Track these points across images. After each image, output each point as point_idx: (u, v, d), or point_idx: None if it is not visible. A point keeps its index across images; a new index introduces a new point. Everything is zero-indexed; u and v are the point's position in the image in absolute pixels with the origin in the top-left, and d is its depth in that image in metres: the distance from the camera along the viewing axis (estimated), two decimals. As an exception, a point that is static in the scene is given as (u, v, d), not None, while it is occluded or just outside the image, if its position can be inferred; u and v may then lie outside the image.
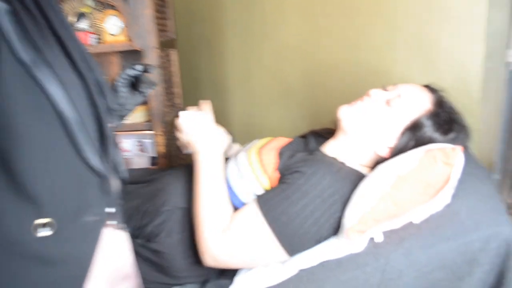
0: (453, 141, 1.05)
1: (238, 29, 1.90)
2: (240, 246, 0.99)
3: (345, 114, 1.13)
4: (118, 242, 0.82)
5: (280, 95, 1.89)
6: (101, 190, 0.76)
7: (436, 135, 1.05)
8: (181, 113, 1.19)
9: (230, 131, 2.02)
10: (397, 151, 1.07)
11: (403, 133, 1.06)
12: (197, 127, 1.15)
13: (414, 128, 1.06)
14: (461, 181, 0.97)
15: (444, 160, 0.94)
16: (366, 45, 1.65)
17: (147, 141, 1.63)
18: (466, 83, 1.46)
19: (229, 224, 1.02)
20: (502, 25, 1.50)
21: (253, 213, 1.01)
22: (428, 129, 1.05)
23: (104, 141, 0.76)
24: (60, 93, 0.66)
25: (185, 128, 1.16)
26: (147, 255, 1.08)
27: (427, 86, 1.13)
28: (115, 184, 0.81)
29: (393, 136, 1.08)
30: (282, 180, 1.05)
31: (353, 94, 1.73)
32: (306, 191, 0.99)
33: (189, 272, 1.10)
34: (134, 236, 1.08)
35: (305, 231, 0.97)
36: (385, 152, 1.09)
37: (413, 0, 1.51)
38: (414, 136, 1.05)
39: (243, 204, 1.08)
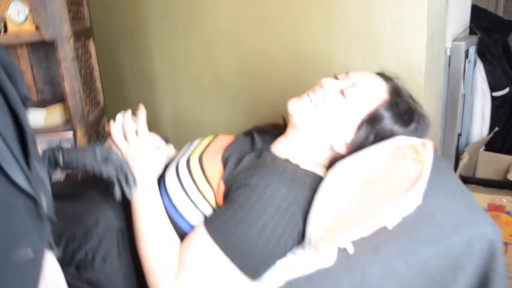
0: (414, 133, 0.98)
1: (163, 18, 1.73)
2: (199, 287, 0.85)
3: (297, 108, 1.01)
4: (53, 275, 0.64)
5: (212, 87, 1.75)
6: (33, 215, 0.58)
7: (396, 127, 0.96)
8: (117, 116, 1.02)
9: (161, 128, 1.84)
10: (355, 147, 0.97)
11: (360, 127, 0.97)
12: (133, 142, 1.00)
13: (373, 120, 0.97)
14: (429, 179, 0.90)
15: (414, 157, 0.86)
16: (303, 32, 1.55)
17: (67, 144, 1.41)
18: (410, 70, 1.42)
19: (181, 265, 0.86)
20: (440, 11, 1.48)
21: (206, 246, 0.86)
22: (388, 121, 0.96)
23: (27, 150, 0.57)
24: None
25: (118, 139, 1.00)
26: (81, 286, 0.91)
27: (381, 74, 1.05)
28: (46, 205, 0.62)
29: (349, 130, 0.98)
30: (230, 196, 0.91)
31: (292, 84, 1.65)
32: (262, 209, 0.86)
33: None
34: (62, 265, 0.89)
35: (270, 253, 0.85)
36: (341, 148, 0.99)
37: (352, -15, 1.44)
38: (373, 130, 0.96)
39: (190, 226, 0.94)
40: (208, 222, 0.88)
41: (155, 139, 1.11)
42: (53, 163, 0.92)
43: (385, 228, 0.88)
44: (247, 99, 1.71)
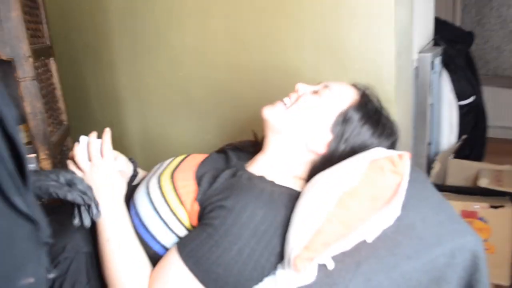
0: (382, 133, 0.98)
1: (127, 35, 1.69)
2: None
3: (271, 112, 1.00)
4: None
5: (180, 104, 1.71)
6: (33, 241, 0.54)
7: (365, 129, 0.97)
8: (81, 138, 0.96)
9: (129, 148, 1.78)
10: (331, 149, 0.97)
11: (333, 127, 0.97)
12: (98, 165, 0.95)
13: (344, 121, 0.97)
14: (406, 190, 0.88)
15: (391, 169, 0.84)
16: (272, 46, 1.54)
17: (30, 167, 1.34)
18: (380, 82, 1.42)
19: None
20: (406, 23, 1.49)
21: (179, 271, 0.81)
22: (357, 123, 0.97)
23: (24, 172, 0.52)
24: None
25: (82, 161, 0.94)
26: None
27: (353, 84, 1.06)
28: (43, 228, 0.57)
29: (324, 131, 0.97)
30: (204, 218, 0.86)
31: (262, 99, 1.62)
32: (238, 233, 0.81)
33: None
34: None
35: (246, 278, 0.81)
36: (319, 148, 0.97)
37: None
38: (345, 131, 0.96)
39: (162, 246, 0.89)
40: (181, 246, 0.84)
41: (122, 161, 1.06)
42: None
43: (365, 242, 0.85)
44: (217, 116, 1.68)
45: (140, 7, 1.64)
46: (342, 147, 0.96)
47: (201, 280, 0.79)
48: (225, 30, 1.56)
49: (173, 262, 0.82)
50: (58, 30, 1.68)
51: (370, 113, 0.98)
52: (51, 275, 0.62)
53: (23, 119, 1.40)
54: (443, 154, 1.93)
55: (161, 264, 0.85)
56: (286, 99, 1.02)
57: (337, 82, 1.04)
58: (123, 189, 0.98)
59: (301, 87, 1.02)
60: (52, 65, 1.52)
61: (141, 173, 1.18)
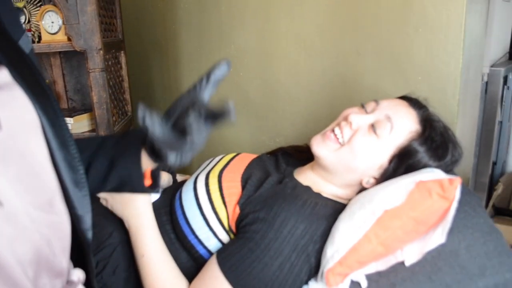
0: (447, 166, 0.93)
1: (193, 33, 1.73)
2: None
3: (323, 150, 0.94)
4: None
5: (238, 103, 1.73)
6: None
7: (430, 162, 0.91)
8: None
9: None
10: (383, 179, 0.92)
11: (391, 161, 0.91)
12: None
13: (405, 155, 0.90)
14: (454, 214, 0.84)
15: (440, 193, 0.80)
16: (334, 51, 1.52)
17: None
18: (443, 95, 1.36)
19: None
20: (479, 34, 1.41)
21: (221, 286, 0.83)
22: (421, 155, 0.90)
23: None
24: None
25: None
26: None
27: (411, 100, 0.98)
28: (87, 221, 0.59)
29: (380, 166, 0.92)
30: (246, 231, 0.86)
31: (320, 104, 1.62)
32: (279, 247, 0.82)
33: None
34: None
35: None
36: (370, 184, 0.94)
37: (385, 5, 1.40)
38: (404, 163, 0.90)
39: (199, 242, 0.92)
40: (222, 259, 0.85)
41: (165, 182, 1.11)
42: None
43: (403, 264, 0.83)
44: (273, 119, 1.69)
45: (208, 5, 1.68)
46: (397, 174, 0.91)
47: None
48: (288, 33, 1.56)
49: (215, 276, 0.84)
50: (130, 25, 1.77)
51: (435, 147, 0.91)
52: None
53: (89, 107, 1.50)
54: (509, 175, 1.81)
55: (201, 276, 0.87)
56: (337, 131, 0.94)
57: (395, 104, 0.95)
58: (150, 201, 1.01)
59: (354, 119, 0.92)
60: (122, 58, 1.61)
61: (179, 179, 1.23)
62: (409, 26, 1.38)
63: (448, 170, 0.94)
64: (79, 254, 0.60)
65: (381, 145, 0.91)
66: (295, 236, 0.83)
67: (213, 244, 0.92)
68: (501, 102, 1.65)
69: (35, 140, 0.48)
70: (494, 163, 1.75)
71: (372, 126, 0.91)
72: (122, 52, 1.60)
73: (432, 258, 0.81)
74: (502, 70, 1.59)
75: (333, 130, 0.95)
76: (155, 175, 0.74)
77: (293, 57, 1.58)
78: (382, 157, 0.92)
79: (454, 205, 0.80)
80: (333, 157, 0.93)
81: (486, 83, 1.60)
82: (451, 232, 0.84)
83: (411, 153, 0.90)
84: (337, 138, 0.94)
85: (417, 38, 1.38)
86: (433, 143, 0.91)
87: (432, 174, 0.85)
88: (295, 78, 1.60)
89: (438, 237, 0.82)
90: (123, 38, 1.62)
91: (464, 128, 1.42)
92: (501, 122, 1.73)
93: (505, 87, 1.67)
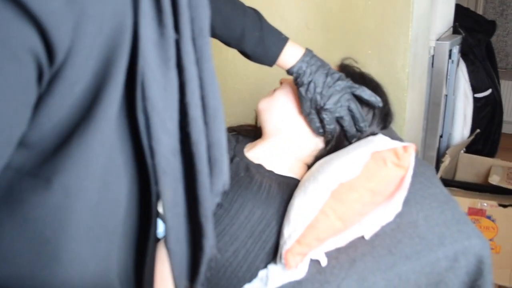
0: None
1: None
2: None
3: (263, 103, 0.98)
4: None
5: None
6: None
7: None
8: None
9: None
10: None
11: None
12: None
13: None
14: (410, 185, 0.83)
15: (395, 161, 0.78)
16: (282, 26, 1.43)
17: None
18: (393, 69, 1.35)
19: None
20: (426, 8, 1.41)
21: None
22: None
23: None
24: None
25: None
26: None
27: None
28: None
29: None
30: None
31: (269, 81, 1.57)
32: (235, 233, 0.78)
33: None
34: None
35: (239, 279, 0.78)
36: (318, 149, 0.93)
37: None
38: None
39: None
40: None
41: None
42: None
43: (362, 238, 0.81)
44: (223, 97, 1.62)
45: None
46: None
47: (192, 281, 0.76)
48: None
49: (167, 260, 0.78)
50: None
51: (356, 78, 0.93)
52: None
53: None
54: (454, 148, 1.86)
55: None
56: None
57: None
58: None
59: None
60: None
61: None
62: (358, 1, 1.36)
63: (384, 119, 0.95)
64: None
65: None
66: (251, 221, 0.79)
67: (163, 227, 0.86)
68: (446, 76, 1.68)
69: None
70: (441, 136, 1.79)
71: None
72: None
73: (391, 231, 0.79)
74: (447, 44, 1.61)
75: (275, 90, 0.99)
76: None
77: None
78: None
79: (410, 172, 0.79)
80: (269, 106, 0.96)
81: (433, 57, 1.61)
82: (409, 203, 0.82)
83: None
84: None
85: (367, 11, 1.35)
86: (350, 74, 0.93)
87: (385, 144, 0.83)
88: (234, 58, 1.54)
89: (395, 206, 0.80)
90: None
91: (413, 102, 1.43)
92: (446, 96, 1.76)
93: (450, 60, 1.69)
